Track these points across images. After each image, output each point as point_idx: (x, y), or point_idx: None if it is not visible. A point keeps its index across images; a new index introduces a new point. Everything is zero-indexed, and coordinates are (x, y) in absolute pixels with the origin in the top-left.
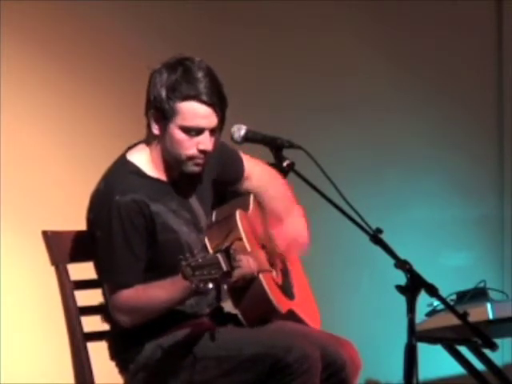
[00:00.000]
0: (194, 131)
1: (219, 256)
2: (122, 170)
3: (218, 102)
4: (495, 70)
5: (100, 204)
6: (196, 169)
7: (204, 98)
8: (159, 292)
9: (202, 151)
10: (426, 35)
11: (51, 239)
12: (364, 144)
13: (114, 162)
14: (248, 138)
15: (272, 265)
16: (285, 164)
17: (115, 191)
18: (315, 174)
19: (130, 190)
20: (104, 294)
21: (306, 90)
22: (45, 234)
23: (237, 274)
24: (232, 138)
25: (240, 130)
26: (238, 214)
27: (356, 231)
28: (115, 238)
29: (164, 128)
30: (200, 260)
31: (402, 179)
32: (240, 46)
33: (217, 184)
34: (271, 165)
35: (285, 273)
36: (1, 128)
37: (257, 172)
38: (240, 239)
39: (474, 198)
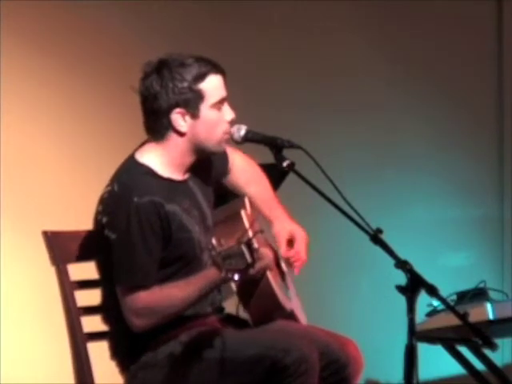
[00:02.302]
0: (221, 103)
1: (243, 247)
2: (134, 171)
3: (222, 68)
4: (495, 70)
5: (116, 206)
6: (225, 146)
7: (215, 67)
8: (177, 291)
9: (230, 121)
10: (426, 35)
11: (51, 239)
12: (364, 144)
13: (123, 164)
14: (248, 138)
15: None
16: (285, 164)
17: (133, 193)
18: (315, 174)
19: (147, 192)
20: (103, 296)
21: (306, 90)
22: (45, 234)
23: (258, 266)
24: (232, 138)
25: (240, 130)
26: (243, 212)
27: (356, 231)
28: (134, 239)
29: (196, 117)
30: (227, 251)
31: (402, 179)
32: (240, 46)
33: (214, 181)
34: (271, 165)
35: (281, 275)
36: (1, 128)
37: (238, 166)
38: (256, 232)
39: (474, 198)
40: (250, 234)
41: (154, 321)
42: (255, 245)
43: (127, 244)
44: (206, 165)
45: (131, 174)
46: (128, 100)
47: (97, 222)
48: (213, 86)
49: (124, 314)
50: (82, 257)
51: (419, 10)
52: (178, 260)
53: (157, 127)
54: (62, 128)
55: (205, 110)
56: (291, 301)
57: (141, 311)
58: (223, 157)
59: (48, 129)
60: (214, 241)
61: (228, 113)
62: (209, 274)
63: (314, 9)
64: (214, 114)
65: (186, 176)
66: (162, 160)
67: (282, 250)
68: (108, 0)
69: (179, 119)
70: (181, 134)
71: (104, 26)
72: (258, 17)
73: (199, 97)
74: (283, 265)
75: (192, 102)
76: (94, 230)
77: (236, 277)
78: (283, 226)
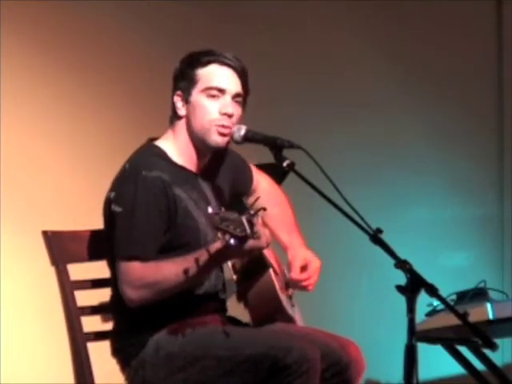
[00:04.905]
0: (215, 91)
1: (243, 219)
2: (147, 152)
3: (238, 66)
4: (495, 70)
5: (125, 180)
6: (219, 139)
7: (224, 60)
8: (173, 266)
9: (224, 114)
10: (426, 35)
11: (51, 239)
12: (364, 144)
13: (138, 147)
14: (248, 138)
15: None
16: (285, 164)
17: (142, 167)
18: (315, 174)
19: (156, 168)
20: (112, 292)
21: (306, 89)
22: (45, 233)
23: (256, 242)
24: (232, 138)
25: (240, 130)
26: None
27: (356, 231)
28: (138, 210)
29: (188, 102)
30: (226, 215)
31: (402, 179)
32: (240, 45)
33: (231, 190)
34: (271, 165)
35: (289, 291)
36: (1, 128)
37: (262, 188)
38: (259, 210)
39: (474, 198)
40: (252, 212)
41: (147, 294)
42: (255, 221)
43: (131, 215)
44: (227, 172)
45: (142, 154)
46: (128, 100)
47: (106, 200)
48: (211, 73)
49: (118, 286)
50: (81, 257)
51: (419, 10)
52: (181, 247)
53: (171, 111)
54: (61, 128)
55: (195, 94)
56: (294, 314)
57: (134, 282)
58: (248, 177)
59: (48, 129)
60: (210, 209)
61: (224, 105)
62: (208, 248)
63: (314, 9)
64: (202, 99)
65: (199, 172)
66: (174, 147)
67: (295, 272)
68: (108, 0)
69: (177, 102)
70: (180, 118)
71: (104, 26)
72: (258, 17)
73: (193, 81)
74: (291, 289)
75: (186, 86)
76: (104, 210)
77: (232, 241)
78: (299, 252)
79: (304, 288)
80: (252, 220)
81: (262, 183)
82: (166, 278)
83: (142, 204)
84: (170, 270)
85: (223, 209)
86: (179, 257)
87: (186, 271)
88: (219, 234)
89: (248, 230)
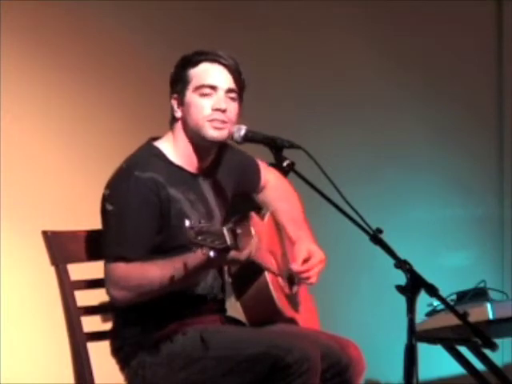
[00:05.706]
0: (207, 89)
1: (224, 230)
2: (145, 152)
3: (231, 63)
4: (495, 70)
5: (118, 179)
6: (215, 133)
7: (214, 57)
8: (156, 269)
9: (216, 109)
10: (426, 35)
11: (51, 239)
12: (364, 144)
13: (138, 147)
14: (248, 138)
15: (280, 276)
16: (285, 164)
17: (135, 168)
18: (315, 174)
19: (150, 169)
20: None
21: (306, 89)
22: (45, 234)
23: (236, 254)
24: (232, 138)
25: (240, 130)
26: (252, 213)
27: (356, 231)
28: (128, 210)
29: (183, 103)
30: (204, 228)
31: (402, 179)
32: (239, 45)
33: (235, 190)
34: (271, 165)
35: (293, 289)
36: (1, 128)
37: (271, 184)
38: (247, 219)
39: (474, 198)
40: (238, 223)
41: (131, 296)
42: (239, 231)
43: (120, 215)
44: (231, 172)
45: (140, 154)
46: (128, 100)
47: (102, 197)
48: (202, 71)
49: (105, 285)
50: (81, 257)
51: (419, 10)
52: (175, 248)
53: (170, 115)
54: (61, 128)
55: (188, 94)
56: (298, 312)
57: (118, 282)
58: (256, 175)
59: (48, 128)
60: (187, 222)
61: (217, 101)
62: (189, 258)
63: (314, 8)
64: (196, 98)
65: (199, 172)
66: (173, 148)
67: (296, 264)
68: (109, 0)
69: (174, 105)
70: (177, 120)
71: (104, 26)
72: (257, 17)
73: (186, 82)
74: (295, 286)
75: (181, 88)
76: (100, 207)
77: (212, 253)
78: (303, 245)
79: (306, 279)
80: (236, 230)
81: (271, 180)
82: (150, 282)
83: (133, 204)
84: (154, 274)
85: (203, 221)
86: (164, 260)
87: (170, 277)
88: (194, 248)
89: (228, 242)
